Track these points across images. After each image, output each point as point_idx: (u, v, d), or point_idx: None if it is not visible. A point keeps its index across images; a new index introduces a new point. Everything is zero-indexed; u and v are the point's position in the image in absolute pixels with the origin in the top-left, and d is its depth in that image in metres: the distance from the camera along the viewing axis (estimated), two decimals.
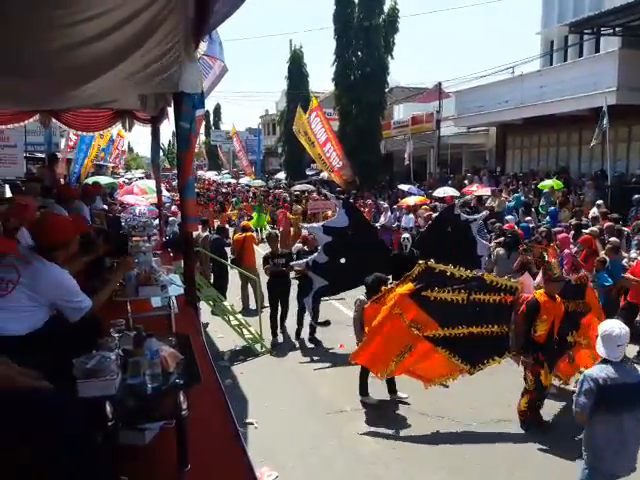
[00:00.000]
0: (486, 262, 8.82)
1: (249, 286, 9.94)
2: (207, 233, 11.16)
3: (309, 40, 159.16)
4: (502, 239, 9.45)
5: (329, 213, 15.05)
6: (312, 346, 8.10)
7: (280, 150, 35.36)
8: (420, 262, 5.50)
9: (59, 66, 3.67)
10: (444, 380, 5.80)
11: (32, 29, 2.94)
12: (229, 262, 10.36)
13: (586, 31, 16.32)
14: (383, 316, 5.43)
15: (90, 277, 3.63)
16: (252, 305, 9.78)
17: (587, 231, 9.29)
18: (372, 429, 5.58)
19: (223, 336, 8.28)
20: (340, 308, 10.02)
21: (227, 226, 16.08)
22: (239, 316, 8.37)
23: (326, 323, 8.35)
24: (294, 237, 15.44)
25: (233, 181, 36.64)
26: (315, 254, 7.78)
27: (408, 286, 5.40)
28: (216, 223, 16.13)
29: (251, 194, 26.82)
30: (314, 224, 8.84)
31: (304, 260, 7.82)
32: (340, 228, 7.76)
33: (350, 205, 8.66)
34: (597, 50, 17.19)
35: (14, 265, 2.54)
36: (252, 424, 5.54)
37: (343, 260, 7.78)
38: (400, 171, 24.91)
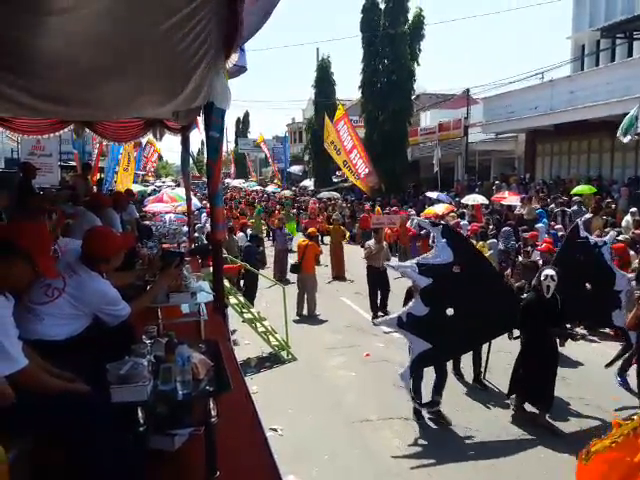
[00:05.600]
0: (626, 300, 6.51)
1: (305, 293, 10.14)
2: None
3: (335, 48, 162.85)
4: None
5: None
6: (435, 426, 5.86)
7: (307, 158, 35.55)
8: None
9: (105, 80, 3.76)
10: None
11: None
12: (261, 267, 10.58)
13: (618, 35, 15.99)
14: (627, 474, 3.04)
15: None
16: (305, 311, 10.18)
17: (620, 238, 9.05)
18: (398, 439, 5.53)
19: (249, 342, 8.35)
20: (360, 312, 9.98)
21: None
22: (266, 323, 8.43)
23: (434, 404, 5.92)
24: (336, 259, 13.76)
25: (259, 188, 36.96)
26: (409, 305, 5.68)
27: None
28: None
29: (277, 201, 26.92)
30: (403, 263, 6.42)
31: (394, 315, 5.72)
32: (443, 265, 5.61)
33: (452, 232, 6.14)
34: (630, 54, 16.82)
35: (61, 274, 2.64)
36: (276, 430, 5.57)
37: (451, 311, 5.67)
38: (427, 178, 24.74)
